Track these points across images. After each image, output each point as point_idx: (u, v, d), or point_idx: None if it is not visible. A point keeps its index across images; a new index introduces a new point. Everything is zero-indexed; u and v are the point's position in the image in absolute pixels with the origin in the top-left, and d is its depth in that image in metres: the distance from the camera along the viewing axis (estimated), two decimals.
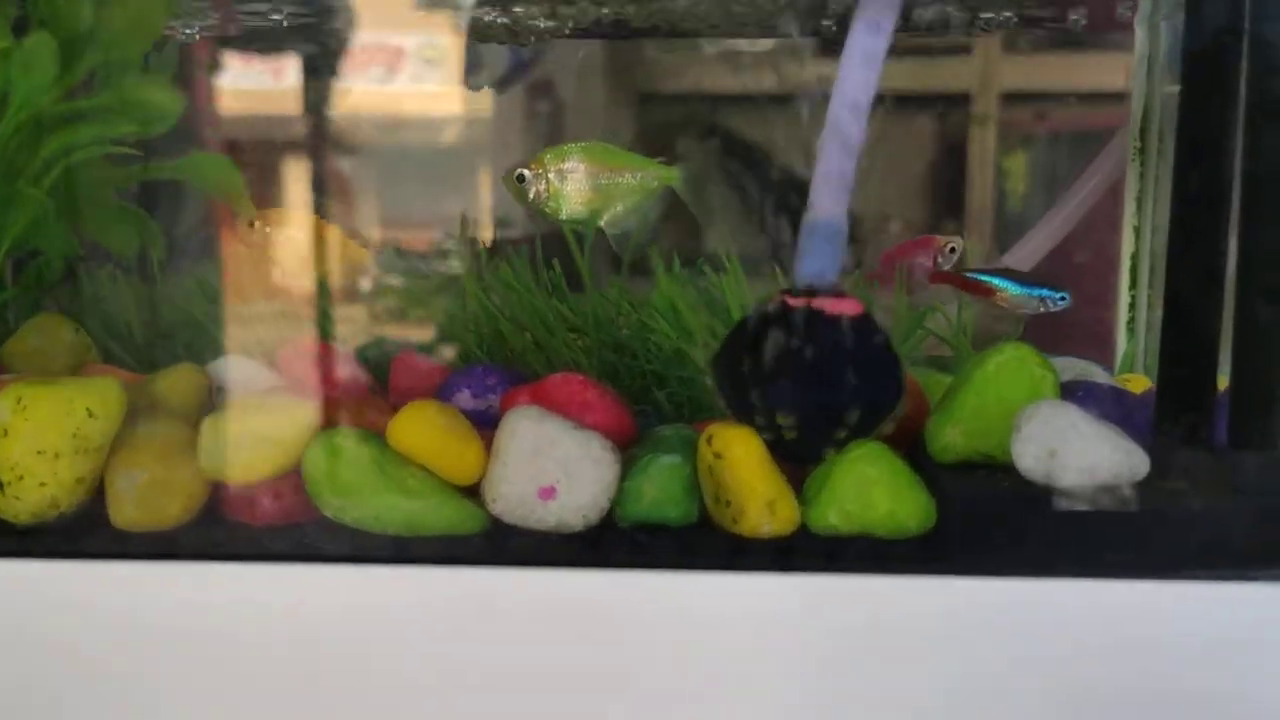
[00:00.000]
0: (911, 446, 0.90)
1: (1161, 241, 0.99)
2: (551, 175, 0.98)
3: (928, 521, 0.83)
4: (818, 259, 0.85)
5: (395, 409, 0.95)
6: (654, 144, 0.97)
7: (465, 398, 0.94)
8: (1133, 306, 1.11)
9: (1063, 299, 1.02)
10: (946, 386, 0.92)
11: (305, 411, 0.86)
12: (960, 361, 1.11)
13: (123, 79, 0.91)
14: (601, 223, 0.98)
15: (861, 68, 0.84)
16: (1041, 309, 1.02)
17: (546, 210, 0.99)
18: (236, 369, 0.97)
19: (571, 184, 0.98)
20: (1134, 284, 1.11)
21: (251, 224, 1.06)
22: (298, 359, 1.00)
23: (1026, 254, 1.17)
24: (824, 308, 0.83)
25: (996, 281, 1.03)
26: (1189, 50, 0.82)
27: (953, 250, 1.16)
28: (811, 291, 0.84)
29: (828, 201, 0.84)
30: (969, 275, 1.04)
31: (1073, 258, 1.21)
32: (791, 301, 0.84)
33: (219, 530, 0.86)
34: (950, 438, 0.88)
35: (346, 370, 1.00)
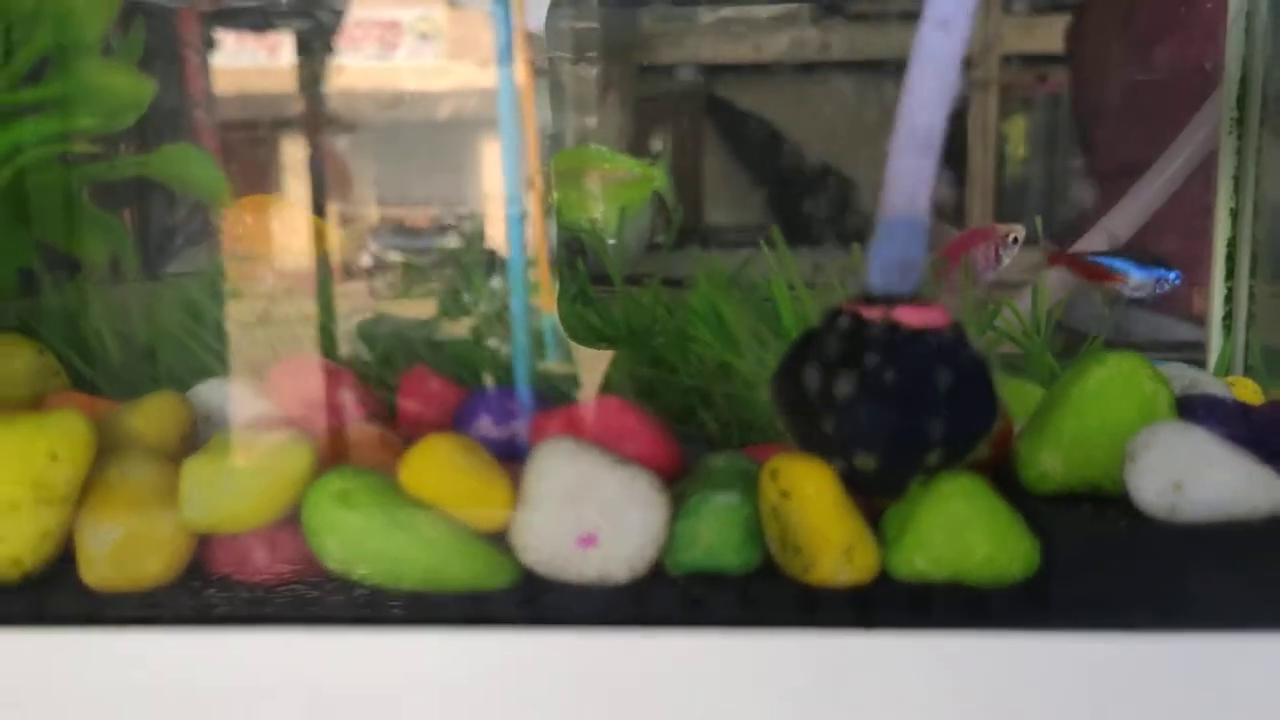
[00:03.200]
0: (995, 472, 0.79)
1: (1264, 227, 0.87)
2: (558, 182, 0.92)
3: (1030, 566, 0.71)
4: (895, 261, 0.73)
5: (406, 436, 0.83)
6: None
7: (486, 425, 0.82)
8: (1229, 300, 0.99)
9: (1177, 278, 0.90)
10: (1037, 401, 0.80)
11: (303, 448, 0.74)
12: (1032, 363, 1.00)
13: (79, 64, 0.78)
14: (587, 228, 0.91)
15: (940, 37, 0.72)
16: (1157, 291, 0.91)
17: (556, 218, 0.95)
18: (223, 394, 0.85)
19: (576, 190, 0.90)
20: (1231, 274, 0.99)
21: (230, 214, 0.95)
22: (292, 380, 0.88)
23: (1109, 234, 1.05)
24: (905, 319, 0.71)
25: (1118, 264, 0.91)
26: None
27: (1015, 240, 1.04)
28: (889, 300, 0.72)
29: (904, 194, 0.72)
30: (1089, 259, 0.93)
31: (1149, 243, 1.09)
32: (866, 313, 0.72)
33: (207, 590, 0.74)
34: (1047, 465, 0.77)
35: (350, 393, 0.88)
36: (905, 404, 0.70)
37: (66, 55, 0.78)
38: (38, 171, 0.82)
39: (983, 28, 1.86)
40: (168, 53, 1.25)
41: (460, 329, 0.96)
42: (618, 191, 0.93)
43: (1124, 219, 1.07)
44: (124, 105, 0.81)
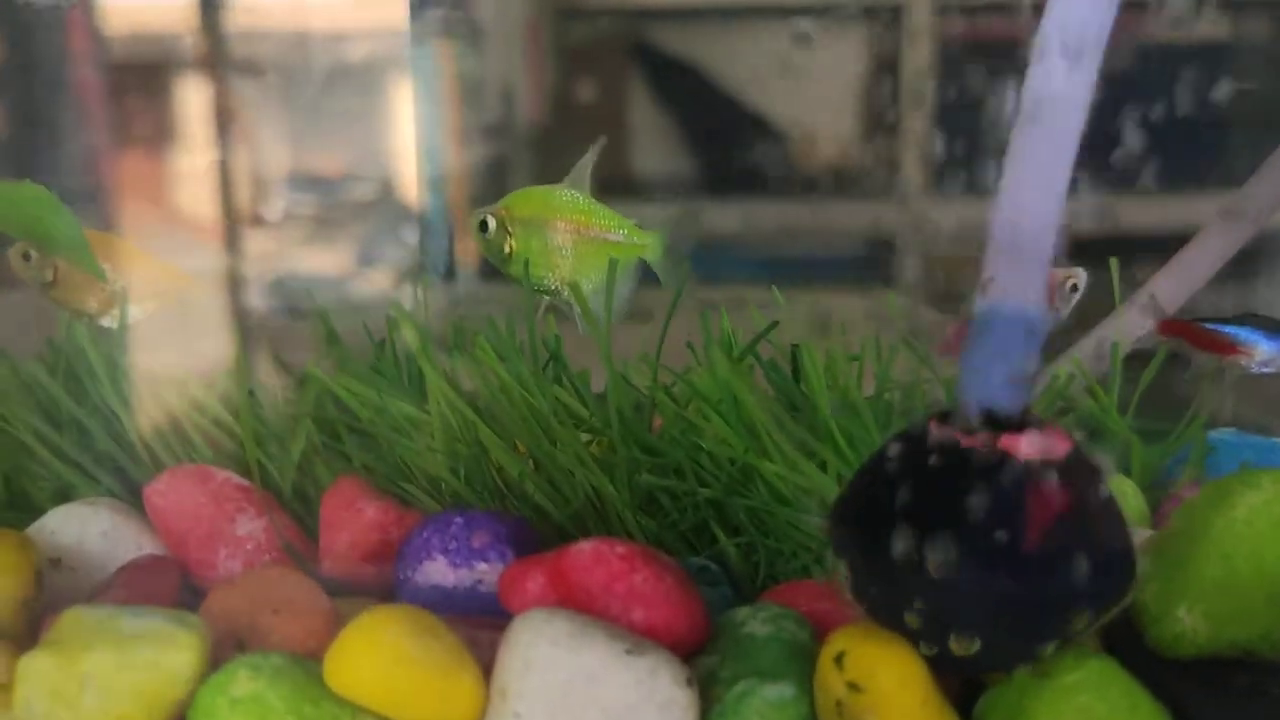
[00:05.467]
0: (1108, 631, 0.60)
1: None
2: (517, 229, 0.75)
3: None
4: (1004, 368, 0.53)
5: (333, 575, 0.63)
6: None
7: (440, 568, 0.62)
8: None
9: None
10: (1139, 511, 0.62)
11: (189, 635, 0.53)
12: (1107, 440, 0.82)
13: None
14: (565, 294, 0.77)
15: (1064, 70, 0.52)
16: None
17: (509, 271, 0.77)
18: (81, 526, 0.64)
19: (538, 243, 0.76)
20: None
21: (27, 256, 0.74)
22: (179, 498, 0.67)
23: (1152, 302, 0.87)
24: (1018, 449, 0.52)
25: (1243, 334, 0.74)
26: None
27: (1075, 288, 0.86)
28: (995, 422, 0.53)
29: (1022, 273, 0.53)
30: (1208, 328, 0.76)
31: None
32: (962, 439, 0.53)
33: None
34: (1186, 623, 0.58)
35: (252, 513, 0.67)
36: (1026, 570, 0.51)
37: None
38: None
39: None
40: None
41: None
42: (596, 253, 0.73)
43: (1172, 284, 0.88)
44: None
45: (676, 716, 0.52)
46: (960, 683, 0.57)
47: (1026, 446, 0.52)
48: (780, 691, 0.54)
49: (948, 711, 0.53)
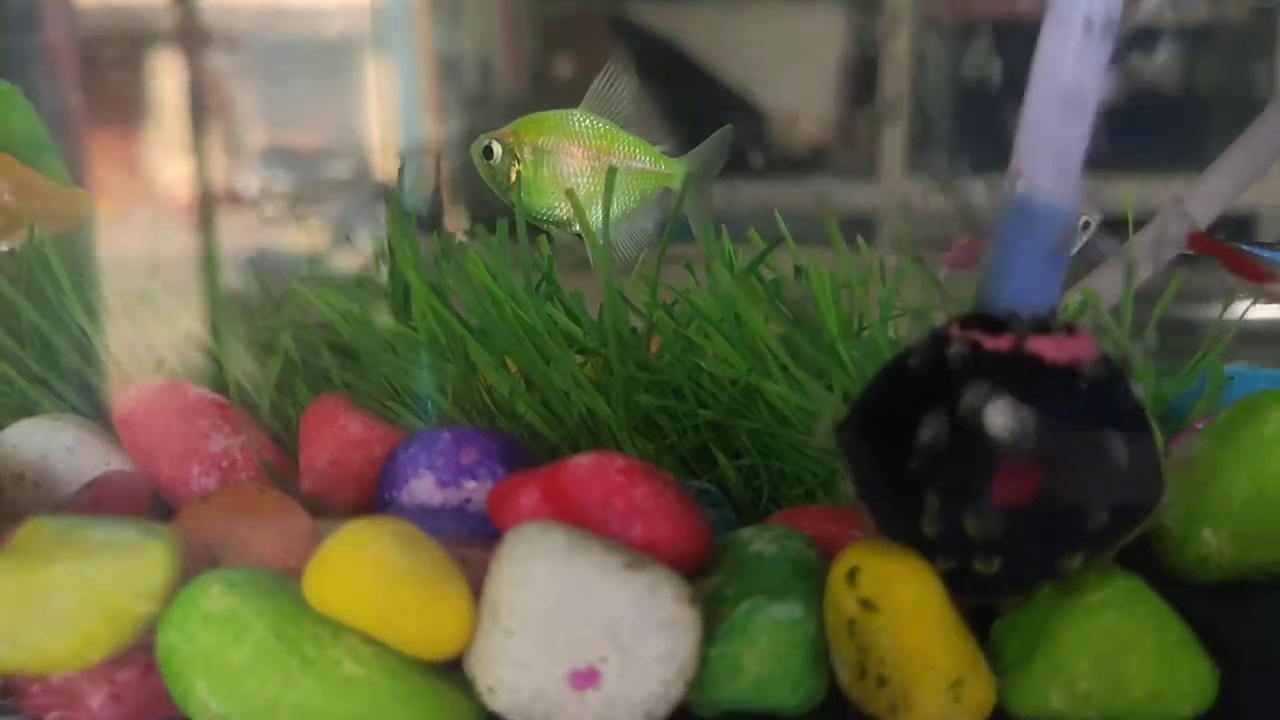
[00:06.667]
0: (1124, 554, 0.57)
1: None
2: (526, 153, 0.71)
3: (1204, 701, 0.51)
4: (1031, 270, 0.50)
5: (313, 495, 0.60)
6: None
7: (427, 486, 0.59)
8: None
9: None
10: (1181, 458, 0.59)
11: (159, 546, 0.50)
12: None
13: None
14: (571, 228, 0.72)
15: None
16: None
17: (515, 200, 0.72)
18: (45, 439, 0.60)
19: (549, 170, 0.71)
20: None
21: None
22: (150, 413, 0.63)
23: (1182, 217, 0.83)
24: (1044, 351, 0.49)
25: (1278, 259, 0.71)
26: None
27: (1087, 225, 0.83)
28: (1019, 324, 0.50)
29: (1048, 169, 0.50)
30: (1240, 247, 0.72)
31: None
32: (988, 341, 0.50)
33: None
34: (1211, 545, 0.56)
35: (228, 430, 0.63)
36: (1050, 479, 0.48)
37: None
38: None
39: None
40: None
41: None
42: (614, 181, 0.68)
43: (1205, 198, 0.85)
44: None
45: (679, 635, 0.49)
46: (970, 611, 0.54)
47: (1054, 350, 0.49)
48: (789, 610, 0.51)
49: (964, 631, 0.51)
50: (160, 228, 0.86)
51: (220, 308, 0.70)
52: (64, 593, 0.48)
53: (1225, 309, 0.77)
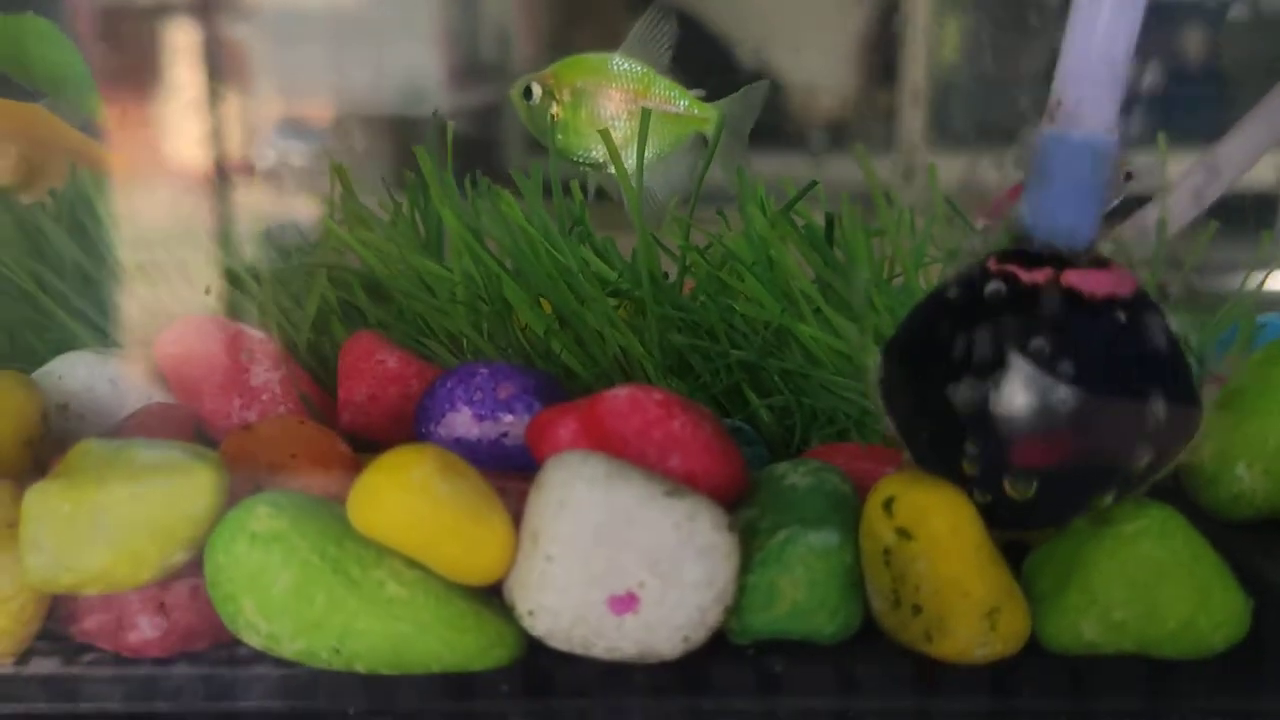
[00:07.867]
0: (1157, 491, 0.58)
1: None
2: (565, 95, 0.71)
3: (1238, 632, 0.51)
4: (1070, 201, 0.50)
5: (351, 429, 0.60)
6: None
7: (465, 420, 0.59)
8: None
9: None
10: (1215, 395, 0.60)
11: (206, 469, 0.51)
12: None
13: None
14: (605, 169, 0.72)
15: None
16: None
17: (554, 142, 0.72)
18: (89, 372, 0.61)
19: (587, 111, 0.71)
20: None
21: None
22: (192, 348, 0.64)
23: (1211, 171, 0.83)
24: (1081, 284, 0.49)
25: None
26: None
27: (1130, 175, 0.82)
28: (1057, 257, 0.50)
29: (1088, 99, 0.50)
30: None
31: None
32: (1026, 276, 0.50)
33: (69, 669, 0.51)
34: (1245, 482, 0.56)
35: (274, 371, 0.64)
36: (1087, 407, 0.49)
37: None
38: None
39: None
40: None
41: None
42: (653, 125, 0.68)
43: (1235, 151, 0.84)
44: None
45: (717, 562, 0.50)
46: (1002, 546, 0.54)
47: (1092, 283, 0.50)
48: (825, 538, 0.52)
49: (999, 561, 0.51)
50: (180, 196, 0.86)
51: (258, 248, 0.70)
52: (114, 512, 0.49)
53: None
